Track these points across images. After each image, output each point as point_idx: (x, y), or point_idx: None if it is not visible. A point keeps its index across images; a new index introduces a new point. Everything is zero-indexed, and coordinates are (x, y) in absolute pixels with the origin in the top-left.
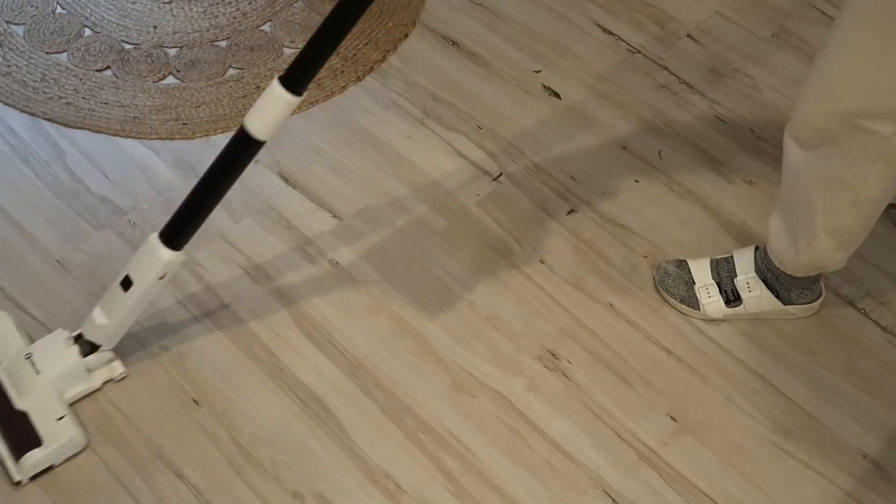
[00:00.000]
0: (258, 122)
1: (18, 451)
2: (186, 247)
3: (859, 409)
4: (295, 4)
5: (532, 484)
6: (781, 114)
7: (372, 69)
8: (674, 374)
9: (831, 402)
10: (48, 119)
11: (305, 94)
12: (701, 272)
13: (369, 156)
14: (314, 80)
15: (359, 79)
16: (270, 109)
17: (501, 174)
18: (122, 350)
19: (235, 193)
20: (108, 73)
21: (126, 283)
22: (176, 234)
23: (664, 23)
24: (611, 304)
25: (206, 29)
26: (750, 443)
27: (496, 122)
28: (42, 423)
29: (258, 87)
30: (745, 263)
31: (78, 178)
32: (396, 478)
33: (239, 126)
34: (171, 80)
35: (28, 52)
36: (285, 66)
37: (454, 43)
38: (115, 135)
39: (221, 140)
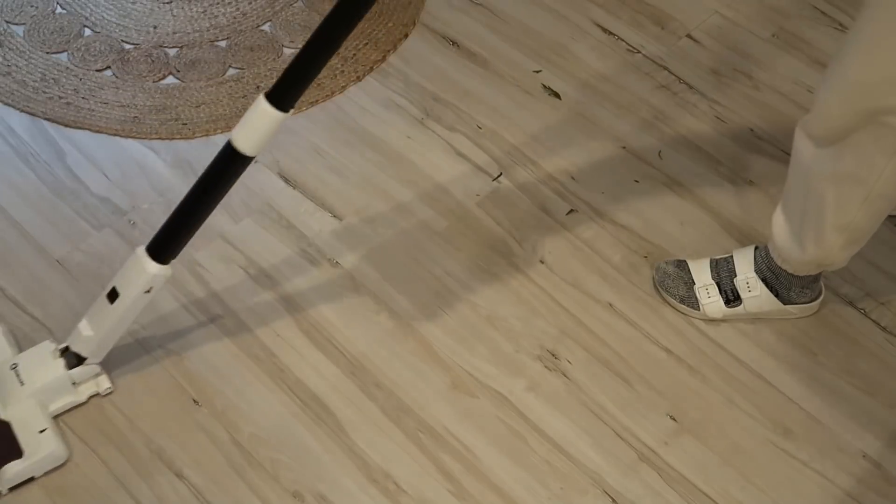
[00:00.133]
0: (245, 138)
1: (0, 461)
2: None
3: (859, 409)
4: (295, 4)
5: (532, 484)
6: (781, 114)
7: (372, 69)
8: (674, 374)
9: (831, 402)
10: (48, 119)
11: (292, 110)
12: (700, 272)
13: (369, 156)
14: (301, 95)
15: (359, 79)
16: (257, 125)
17: (501, 174)
18: (124, 353)
19: (235, 193)
20: (108, 73)
21: (112, 296)
22: (163, 247)
23: (664, 23)
24: (611, 304)
25: (206, 29)
26: (750, 443)
27: (496, 122)
28: (24, 434)
29: (258, 87)
30: (744, 263)
31: (78, 178)
32: (396, 478)
33: (226, 142)
34: (171, 80)
35: (28, 52)
36: (285, 66)
37: (454, 43)
38: (115, 135)
39: (221, 140)
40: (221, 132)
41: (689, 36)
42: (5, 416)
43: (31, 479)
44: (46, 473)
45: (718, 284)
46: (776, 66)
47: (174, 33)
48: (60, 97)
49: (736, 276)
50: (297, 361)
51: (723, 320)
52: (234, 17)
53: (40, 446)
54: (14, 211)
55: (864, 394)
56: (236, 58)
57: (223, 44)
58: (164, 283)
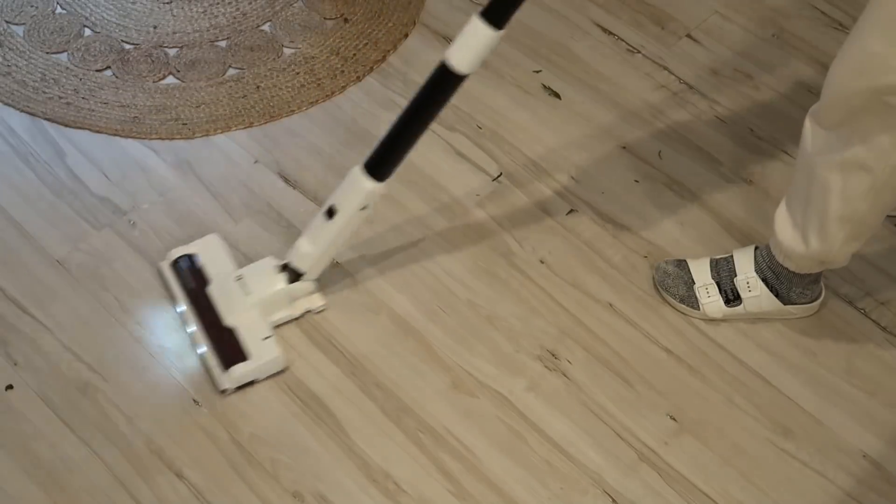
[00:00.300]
0: (460, 57)
1: (227, 362)
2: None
3: (859, 409)
4: (295, 4)
5: (532, 484)
6: (781, 114)
7: (372, 69)
8: (674, 374)
9: (831, 402)
10: (48, 119)
11: (506, 28)
12: (700, 272)
13: None
14: (511, 15)
15: (359, 79)
16: (472, 44)
17: (501, 174)
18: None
19: (235, 193)
20: (108, 73)
21: (330, 213)
22: (379, 165)
23: (664, 23)
24: (611, 304)
25: (206, 29)
26: (750, 443)
27: (496, 122)
28: (249, 340)
29: (258, 86)
30: (744, 263)
31: (78, 178)
32: (396, 478)
33: (439, 63)
34: (171, 80)
35: (28, 52)
36: (285, 66)
37: None
38: (115, 135)
39: (221, 140)
40: (221, 132)
41: (689, 36)
42: (231, 323)
43: (252, 383)
44: (267, 378)
45: (718, 284)
46: (776, 66)
47: (174, 33)
48: (60, 97)
49: (736, 275)
50: (298, 361)
51: (722, 320)
52: (234, 17)
53: (264, 352)
54: (14, 211)
55: (864, 394)
56: (236, 58)
57: (223, 44)
58: (378, 201)
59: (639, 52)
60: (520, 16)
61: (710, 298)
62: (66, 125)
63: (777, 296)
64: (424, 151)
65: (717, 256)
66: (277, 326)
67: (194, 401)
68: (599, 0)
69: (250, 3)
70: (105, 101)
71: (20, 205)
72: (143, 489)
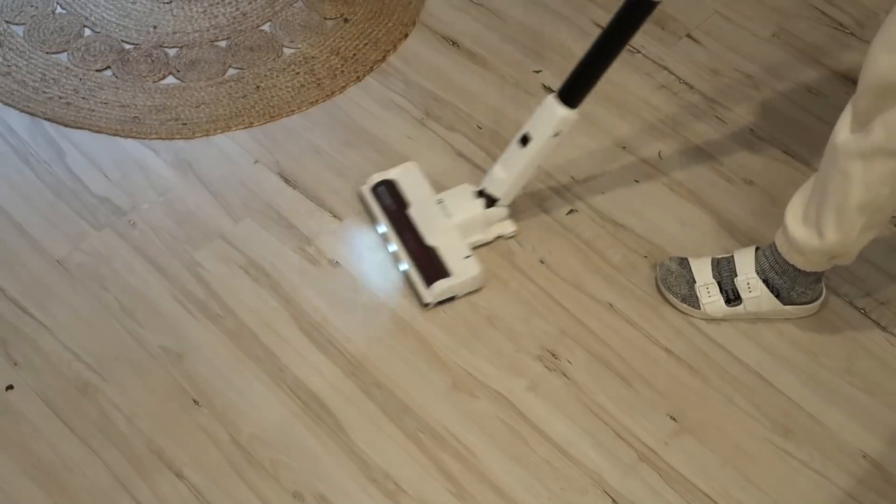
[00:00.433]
0: None
1: (429, 278)
2: (187, 246)
3: (859, 409)
4: (295, 4)
5: (532, 484)
6: (781, 114)
7: (372, 69)
8: (674, 374)
9: (831, 402)
10: (48, 119)
11: None
12: (702, 271)
13: (369, 156)
14: None
15: (359, 79)
16: None
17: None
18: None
19: (235, 193)
20: (108, 73)
21: (524, 140)
22: (571, 92)
23: (664, 23)
24: (611, 304)
25: (206, 29)
26: (750, 443)
27: (496, 122)
28: (450, 258)
29: (258, 86)
30: (745, 263)
31: (78, 178)
32: (396, 478)
33: None
34: (171, 80)
35: (28, 52)
36: (285, 66)
37: (454, 43)
38: (115, 135)
39: (221, 140)
40: (221, 132)
41: (689, 36)
42: (432, 243)
43: (452, 298)
44: (466, 294)
45: (719, 283)
46: (776, 67)
47: (174, 33)
48: (60, 97)
49: (737, 275)
50: (297, 361)
51: (723, 320)
52: (234, 17)
53: (466, 269)
54: (14, 211)
55: (864, 394)
56: (236, 58)
57: (223, 44)
58: (570, 128)
59: (639, 52)
60: (520, 16)
61: (710, 298)
62: (66, 125)
63: (777, 296)
64: (424, 152)
65: (719, 256)
66: (476, 247)
67: (194, 401)
68: (599, 0)
69: (250, 3)
70: (105, 101)
71: (20, 205)
72: (143, 489)
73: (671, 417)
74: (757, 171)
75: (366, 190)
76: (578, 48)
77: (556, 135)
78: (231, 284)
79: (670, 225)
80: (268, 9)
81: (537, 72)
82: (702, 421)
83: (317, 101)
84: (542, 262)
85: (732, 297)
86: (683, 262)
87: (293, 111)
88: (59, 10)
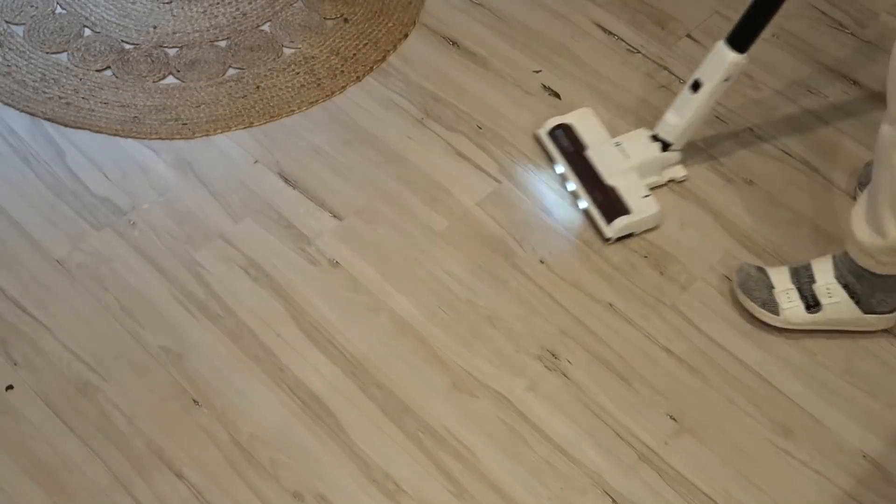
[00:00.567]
0: None
1: (610, 215)
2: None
3: (859, 409)
4: (295, 4)
5: (532, 484)
6: (781, 114)
7: (372, 69)
8: (674, 374)
9: (831, 402)
10: (48, 119)
11: None
12: (780, 278)
13: (369, 156)
14: None
15: (359, 79)
16: None
17: (501, 174)
18: None
19: (235, 193)
20: (108, 73)
21: (695, 86)
22: (740, 38)
23: (664, 23)
24: (611, 304)
25: (206, 29)
26: (750, 443)
27: (496, 122)
28: (629, 197)
29: (258, 86)
30: (823, 270)
31: (78, 178)
32: (396, 478)
33: None
34: (171, 80)
35: (28, 52)
36: (285, 66)
37: (454, 43)
38: (115, 135)
39: (221, 140)
40: (221, 132)
41: (689, 36)
42: (611, 183)
43: (630, 235)
44: (643, 232)
45: (799, 290)
46: (776, 67)
47: (174, 33)
48: (60, 97)
49: (815, 282)
50: (297, 361)
51: (801, 329)
52: (234, 17)
53: (645, 207)
54: (14, 211)
55: (864, 394)
56: (236, 58)
57: (223, 44)
58: (740, 73)
59: (639, 52)
60: (520, 16)
61: (791, 303)
62: (66, 125)
63: (858, 303)
64: (424, 152)
65: (795, 265)
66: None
67: (194, 401)
68: (599, 0)
69: (250, 3)
70: (105, 101)
71: (20, 205)
72: (143, 489)
73: (671, 417)
74: (757, 171)
75: (543, 133)
76: (578, 48)
77: (726, 80)
78: (231, 284)
79: (670, 225)
80: (268, 9)
81: (537, 72)
82: (702, 421)
83: (317, 101)
84: (542, 262)
85: (812, 304)
86: (762, 269)
87: (293, 111)
88: (59, 10)
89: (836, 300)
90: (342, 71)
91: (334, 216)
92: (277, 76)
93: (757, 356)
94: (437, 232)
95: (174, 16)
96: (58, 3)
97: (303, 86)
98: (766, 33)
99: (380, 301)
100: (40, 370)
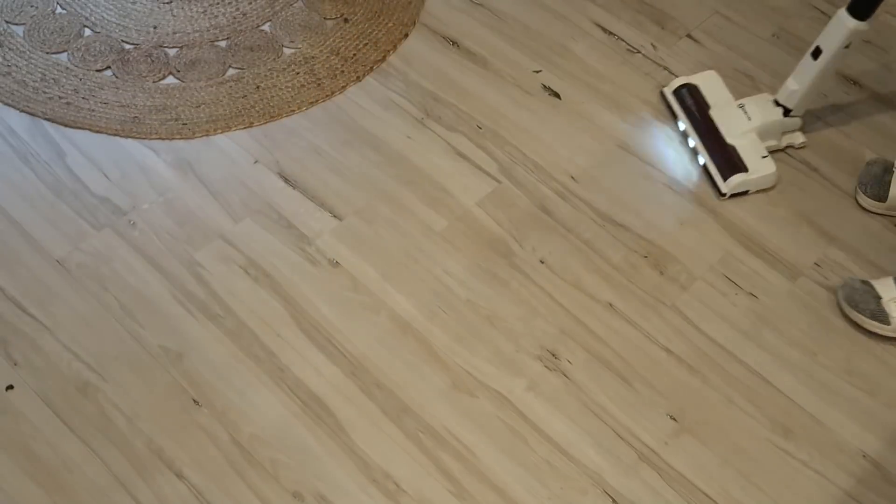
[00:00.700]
0: None
1: (727, 172)
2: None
3: (859, 409)
4: (295, 4)
5: (532, 484)
6: None
7: (372, 69)
8: (674, 374)
9: (831, 402)
10: (48, 119)
11: None
12: (886, 288)
13: (369, 156)
14: None
15: (359, 79)
16: None
17: (501, 174)
18: None
19: (235, 193)
20: (108, 73)
21: (816, 53)
22: (861, 5)
23: (664, 23)
24: (611, 304)
25: (206, 29)
26: (750, 443)
27: (496, 122)
28: (748, 156)
29: (258, 86)
30: None
31: (78, 178)
32: (396, 478)
33: None
34: (171, 80)
35: (28, 52)
36: (285, 66)
37: (454, 43)
38: (115, 135)
39: (221, 140)
40: (221, 132)
41: (689, 36)
42: (732, 142)
43: (745, 193)
44: (758, 191)
45: None
46: (776, 67)
47: (174, 33)
48: (60, 97)
49: None
50: (298, 361)
51: None
52: (234, 17)
53: (763, 167)
54: (14, 211)
55: (864, 394)
56: (236, 58)
57: (223, 44)
58: (860, 40)
59: (639, 52)
60: (520, 16)
61: None
62: (66, 125)
63: None
64: (424, 152)
65: None
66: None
67: (194, 401)
68: (599, 0)
69: (250, 3)
70: (105, 101)
71: (20, 205)
72: (143, 489)
73: (671, 417)
74: None
75: (668, 91)
76: (578, 48)
77: (846, 46)
78: (231, 284)
79: (670, 225)
80: (268, 9)
81: (537, 72)
82: (702, 421)
83: (317, 101)
84: (542, 262)
85: None
86: (865, 282)
87: (293, 111)
88: (59, 10)
89: None
90: (342, 71)
91: (334, 216)
92: (277, 76)
93: (757, 356)
94: (436, 232)
95: (174, 16)
96: (58, 3)
97: (303, 86)
98: (766, 33)
99: (380, 301)
100: (40, 370)
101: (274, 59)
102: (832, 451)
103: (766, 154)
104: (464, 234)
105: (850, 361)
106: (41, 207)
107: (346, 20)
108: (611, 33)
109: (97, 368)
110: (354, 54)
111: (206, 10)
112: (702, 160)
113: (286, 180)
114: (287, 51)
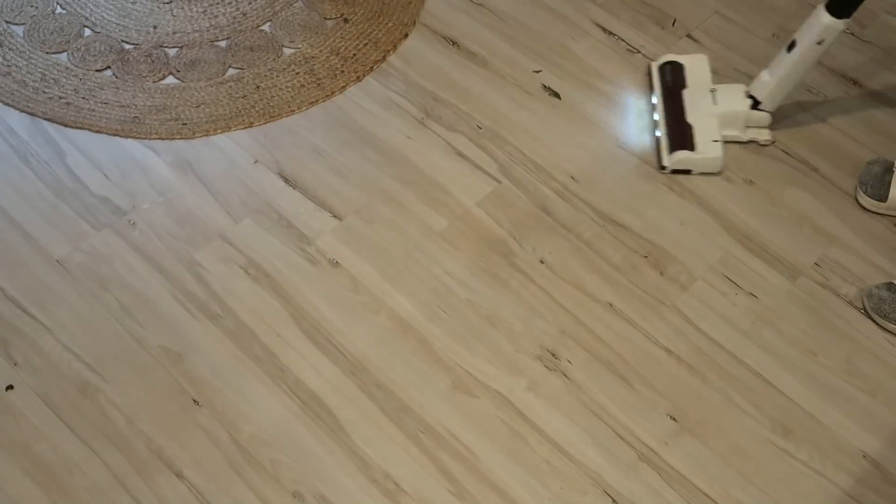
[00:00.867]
0: None
1: (675, 147)
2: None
3: (859, 409)
4: (295, 4)
5: (532, 484)
6: (781, 113)
7: (372, 69)
8: (674, 374)
9: (831, 402)
10: (48, 119)
11: None
12: None
13: (369, 156)
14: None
15: (359, 79)
16: None
17: (501, 174)
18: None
19: (235, 193)
20: (108, 73)
21: (790, 46)
22: (840, 3)
23: (664, 23)
24: (611, 304)
25: (206, 29)
26: (750, 443)
27: (496, 122)
28: (700, 138)
29: (258, 86)
30: None
31: (78, 178)
32: (396, 478)
33: None
34: (171, 80)
35: (28, 52)
36: (285, 66)
37: (454, 43)
38: (115, 135)
39: (221, 140)
40: (221, 132)
41: (689, 36)
42: (691, 121)
43: (687, 172)
44: (700, 174)
45: None
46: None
47: (174, 33)
48: (60, 97)
49: None
50: (298, 361)
51: None
52: (234, 17)
53: (709, 150)
54: (14, 211)
55: (864, 394)
56: (236, 58)
57: (223, 44)
58: (835, 38)
59: (639, 52)
60: (520, 16)
61: None
62: (66, 125)
63: None
64: (424, 152)
65: None
66: (726, 142)
67: (194, 401)
68: (599, 0)
69: (250, 3)
70: (105, 101)
71: (20, 205)
72: (143, 489)
73: (671, 417)
74: (757, 170)
75: (654, 66)
76: (578, 48)
77: (819, 42)
78: (231, 284)
79: (670, 225)
80: (268, 9)
81: (537, 72)
82: (702, 421)
83: (317, 101)
84: (542, 262)
85: None
86: (891, 287)
87: (293, 111)
88: (59, 10)
89: None
90: (342, 71)
91: (334, 216)
92: (277, 76)
93: (757, 356)
94: (436, 232)
95: (174, 16)
96: (58, 3)
97: (303, 86)
98: (766, 33)
99: (380, 301)
100: (40, 370)
101: (274, 59)
102: (832, 451)
103: (717, 139)
104: (464, 234)
105: (850, 361)
106: (41, 207)
107: (346, 20)
108: (611, 33)
109: (97, 368)
110: (354, 54)
111: (206, 10)
112: (658, 133)
113: (286, 180)
114: (287, 51)
